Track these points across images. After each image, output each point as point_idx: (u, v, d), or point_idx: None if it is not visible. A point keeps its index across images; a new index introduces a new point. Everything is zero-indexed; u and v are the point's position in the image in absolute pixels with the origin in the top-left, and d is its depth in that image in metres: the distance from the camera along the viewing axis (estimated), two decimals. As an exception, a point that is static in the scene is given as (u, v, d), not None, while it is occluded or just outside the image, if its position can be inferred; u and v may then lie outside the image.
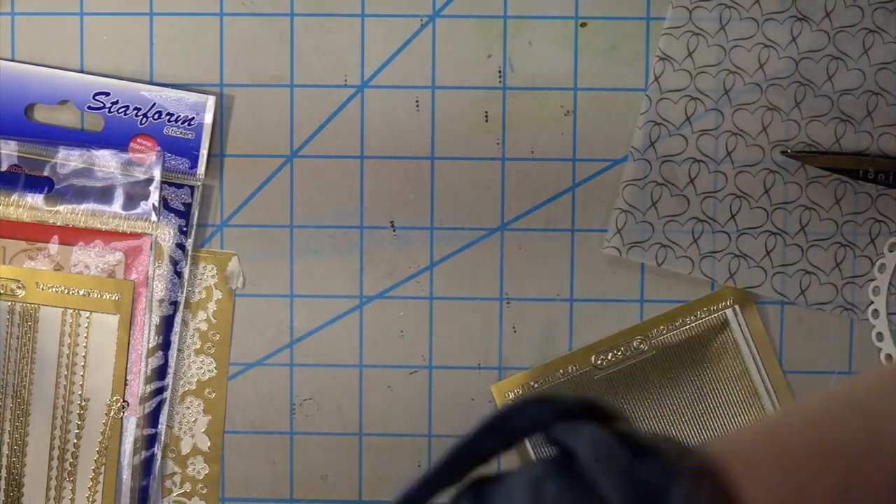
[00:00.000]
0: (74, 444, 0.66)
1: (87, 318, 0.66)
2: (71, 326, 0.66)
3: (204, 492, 0.68)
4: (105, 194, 0.66)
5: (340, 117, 0.67)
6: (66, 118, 0.66)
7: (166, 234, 0.66)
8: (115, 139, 0.66)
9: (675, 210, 0.65)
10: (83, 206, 0.66)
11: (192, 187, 0.66)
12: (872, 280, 0.64)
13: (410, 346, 0.67)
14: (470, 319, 0.67)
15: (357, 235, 0.67)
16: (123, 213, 0.66)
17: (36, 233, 0.66)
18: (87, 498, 0.67)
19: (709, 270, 0.65)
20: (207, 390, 0.67)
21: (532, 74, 0.66)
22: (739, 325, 0.65)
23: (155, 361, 0.67)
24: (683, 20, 0.64)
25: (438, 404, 0.67)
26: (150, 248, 0.66)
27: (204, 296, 0.67)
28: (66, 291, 0.66)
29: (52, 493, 0.67)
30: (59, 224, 0.66)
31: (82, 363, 0.66)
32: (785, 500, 0.37)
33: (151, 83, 0.66)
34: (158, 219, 0.66)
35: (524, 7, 0.66)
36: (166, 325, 0.67)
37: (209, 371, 0.67)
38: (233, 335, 0.67)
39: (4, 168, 0.66)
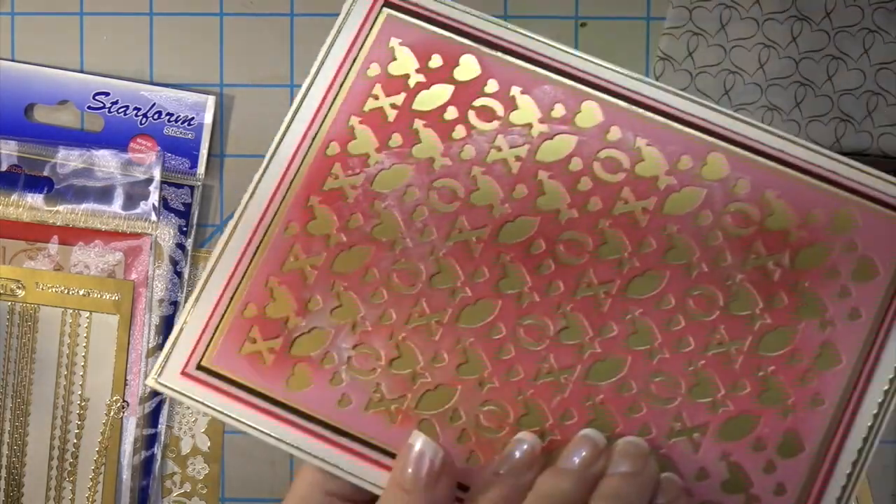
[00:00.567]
0: (74, 444, 0.66)
1: (87, 318, 0.66)
2: (71, 326, 0.66)
3: (204, 492, 0.68)
4: (105, 194, 0.66)
5: (340, 117, 0.67)
6: (66, 118, 0.66)
7: (166, 234, 0.66)
8: (115, 139, 0.66)
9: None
10: (83, 206, 0.66)
11: (192, 187, 0.66)
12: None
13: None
14: (470, 319, 0.67)
15: (357, 235, 0.67)
16: (123, 213, 0.66)
17: (36, 233, 0.66)
18: (87, 498, 0.67)
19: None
20: (207, 390, 0.67)
21: (532, 74, 0.66)
22: None
23: (155, 361, 0.67)
24: (683, 20, 0.64)
25: (438, 404, 0.67)
26: (150, 248, 0.66)
27: (204, 296, 0.67)
28: (66, 291, 0.66)
29: (52, 492, 0.67)
30: (59, 224, 0.66)
31: (82, 363, 0.66)
32: None
33: (151, 83, 0.66)
34: (158, 219, 0.66)
35: (524, 7, 0.66)
36: (166, 325, 0.67)
37: (209, 371, 0.67)
38: (233, 335, 0.67)
39: (4, 168, 0.66)
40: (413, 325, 0.51)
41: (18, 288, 0.66)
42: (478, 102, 0.52)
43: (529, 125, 0.52)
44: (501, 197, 0.51)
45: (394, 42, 0.53)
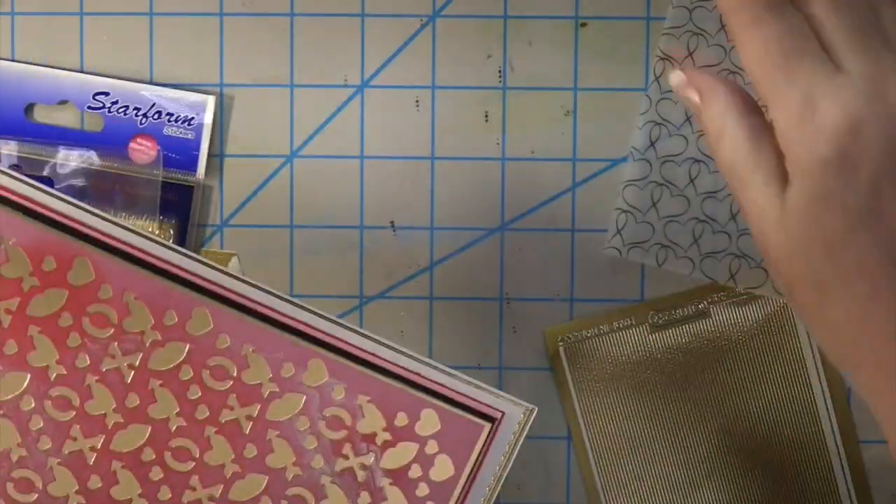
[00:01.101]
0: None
1: (87, 318, 0.66)
2: (71, 326, 0.66)
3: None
4: (105, 194, 0.66)
5: (340, 117, 0.67)
6: (66, 118, 0.66)
7: (166, 234, 0.66)
8: (115, 139, 0.66)
9: (676, 210, 0.65)
10: (83, 207, 0.66)
11: (191, 187, 0.66)
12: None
13: (410, 346, 0.66)
14: (470, 319, 0.67)
15: (357, 235, 0.67)
16: (123, 213, 0.66)
17: (36, 233, 0.66)
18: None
19: (709, 271, 0.65)
20: (207, 390, 0.67)
21: (532, 74, 0.66)
22: None
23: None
24: (684, 20, 0.64)
25: (438, 404, 0.67)
26: (150, 249, 0.66)
27: (204, 296, 0.67)
28: (66, 291, 0.66)
29: None
30: (59, 224, 0.66)
31: (82, 363, 0.66)
32: None
33: (151, 83, 0.66)
34: (158, 219, 0.66)
35: (524, 7, 0.66)
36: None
37: (209, 371, 0.67)
38: (233, 335, 0.67)
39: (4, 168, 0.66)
40: None
41: (18, 288, 0.66)
42: (92, 308, 0.53)
43: (142, 332, 0.53)
44: (115, 406, 0.53)
45: (7, 241, 0.53)
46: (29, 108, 0.66)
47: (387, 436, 0.54)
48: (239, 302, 0.54)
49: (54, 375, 0.53)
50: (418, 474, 0.54)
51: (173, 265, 0.53)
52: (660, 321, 0.66)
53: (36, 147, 0.66)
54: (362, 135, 0.66)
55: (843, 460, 0.65)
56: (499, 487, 0.56)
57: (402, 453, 0.54)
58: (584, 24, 0.66)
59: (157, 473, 0.54)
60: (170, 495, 0.54)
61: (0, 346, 0.53)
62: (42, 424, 0.53)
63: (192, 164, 0.66)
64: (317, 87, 0.66)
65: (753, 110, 0.49)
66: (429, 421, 0.54)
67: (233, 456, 0.54)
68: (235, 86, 0.66)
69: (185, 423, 0.54)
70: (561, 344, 0.66)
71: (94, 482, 0.54)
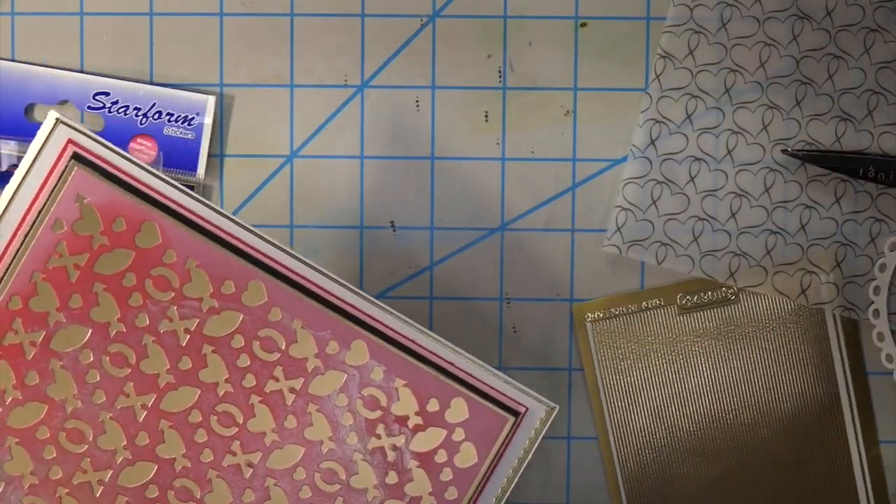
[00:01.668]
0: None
1: (87, 317, 0.66)
2: (70, 326, 0.66)
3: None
4: (105, 194, 0.66)
5: (340, 117, 0.67)
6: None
7: (166, 234, 0.66)
8: (115, 139, 0.66)
9: (676, 208, 0.65)
10: (83, 206, 0.66)
11: (191, 187, 0.66)
12: (873, 280, 0.64)
13: (410, 346, 0.67)
14: (470, 319, 0.67)
15: (357, 235, 0.66)
16: (123, 213, 0.66)
17: (35, 233, 0.66)
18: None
19: (709, 269, 0.65)
20: (207, 390, 0.67)
21: (532, 74, 0.66)
22: (839, 294, 0.65)
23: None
24: (685, 18, 0.64)
25: (438, 404, 0.67)
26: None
27: (204, 296, 0.67)
28: (66, 291, 0.66)
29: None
30: (58, 224, 0.66)
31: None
32: None
33: (151, 83, 0.66)
34: (158, 219, 0.66)
35: (524, 7, 0.66)
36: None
37: (209, 371, 0.67)
38: (232, 335, 0.67)
39: (4, 168, 0.66)
40: (77, 482, 0.55)
41: (18, 288, 0.66)
42: (155, 271, 0.55)
43: (200, 299, 0.55)
44: (168, 367, 0.55)
45: (82, 199, 0.55)
46: (29, 108, 0.66)
47: (418, 420, 0.56)
48: (293, 279, 0.55)
49: (114, 332, 0.55)
50: (444, 459, 0.56)
51: (235, 237, 0.55)
52: (688, 304, 0.66)
53: (36, 147, 0.66)
54: (362, 135, 0.66)
55: (862, 458, 0.66)
56: (516, 479, 0.57)
57: (431, 437, 0.56)
58: (584, 24, 0.66)
59: (201, 436, 0.56)
60: (212, 457, 0.56)
61: (66, 298, 0.55)
62: (98, 378, 0.55)
63: (192, 164, 0.66)
64: (317, 87, 0.66)
65: None
66: (458, 409, 0.56)
67: (273, 425, 0.56)
68: (235, 86, 0.66)
69: (232, 390, 0.55)
70: (588, 320, 0.66)
71: (142, 438, 0.55)
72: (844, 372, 0.65)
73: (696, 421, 0.66)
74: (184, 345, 0.55)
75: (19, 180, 0.54)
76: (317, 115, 0.67)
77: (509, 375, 0.66)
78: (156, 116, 0.66)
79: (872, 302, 0.64)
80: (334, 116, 0.67)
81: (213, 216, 0.55)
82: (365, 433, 0.56)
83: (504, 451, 0.56)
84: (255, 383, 0.55)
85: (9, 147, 0.66)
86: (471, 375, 0.56)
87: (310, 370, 0.56)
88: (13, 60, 0.66)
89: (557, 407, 0.57)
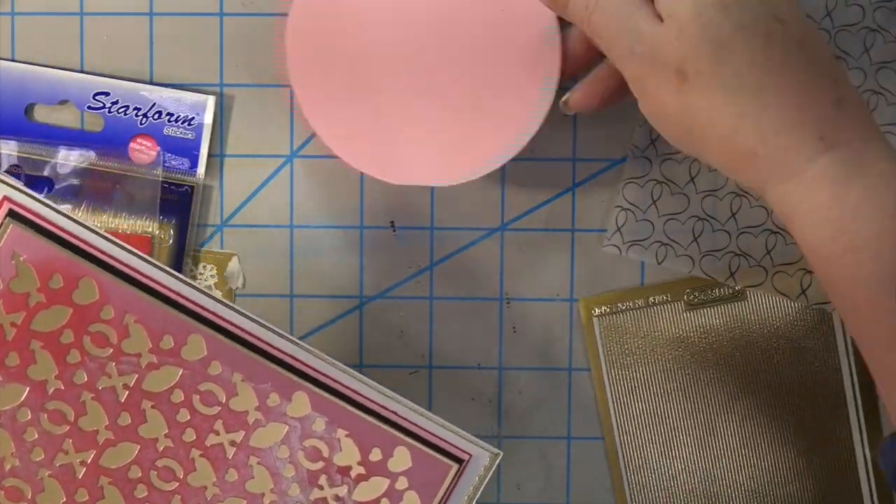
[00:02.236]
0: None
1: (87, 317, 0.66)
2: (70, 326, 0.66)
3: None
4: (105, 194, 0.66)
5: (340, 117, 0.66)
6: (66, 118, 0.66)
7: (166, 234, 0.66)
8: (115, 139, 0.66)
9: (676, 208, 0.65)
10: (83, 206, 0.66)
11: (191, 187, 0.66)
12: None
13: (410, 346, 0.67)
14: (470, 319, 0.67)
15: (357, 235, 0.66)
16: (123, 213, 0.66)
17: (35, 233, 0.66)
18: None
19: (709, 269, 0.65)
20: (207, 390, 0.67)
21: (532, 74, 0.66)
22: None
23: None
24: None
25: (438, 404, 0.67)
26: (150, 248, 0.66)
27: (204, 296, 0.67)
28: (66, 291, 0.66)
29: None
30: (58, 224, 0.66)
31: (81, 363, 0.66)
32: None
33: (151, 83, 0.66)
34: (158, 219, 0.66)
35: (524, 7, 0.66)
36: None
37: (209, 371, 0.67)
38: (232, 335, 0.67)
39: (4, 168, 0.66)
40: None
41: (18, 288, 0.66)
42: (93, 328, 0.55)
43: (139, 354, 0.55)
44: (107, 423, 0.55)
45: (17, 257, 0.54)
46: (29, 108, 0.66)
47: (361, 469, 0.56)
48: (232, 331, 0.55)
49: (52, 389, 0.55)
50: None
51: (174, 291, 0.55)
52: (695, 300, 0.66)
53: (36, 147, 0.66)
54: (362, 135, 0.66)
55: (866, 456, 0.66)
56: None
57: (374, 487, 0.56)
58: (583, 24, 0.66)
59: (141, 491, 0.56)
60: None
61: (2, 357, 0.55)
62: (36, 436, 0.55)
63: (192, 164, 0.66)
64: (317, 87, 0.66)
65: None
66: (401, 458, 0.56)
67: (214, 479, 0.56)
68: (235, 86, 0.66)
69: (171, 445, 0.56)
70: (595, 315, 0.66)
71: (81, 495, 0.55)
72: (850, 370, 0.65)
73: (701, 417, 0.66)
74: (123, 401, 0.55)
75: None
76: (317, 115, 0.67)
77: (509, 375, 0.66)
78: (156, 116, 0.66)
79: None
80: (334, 116, 0.67)
81: (152, 271, 0.55)
82: (307, 484, 0.56)
83: (447, 498, 0.56)
84: (195, 437, 0.55)
85: (9, 147, 0.66)
86: (413, 424, 0.56)
87: (251, 423, 0.56)
88: (13, 60, 0.66)
89: (501, 454, 0.57)
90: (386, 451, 0.56)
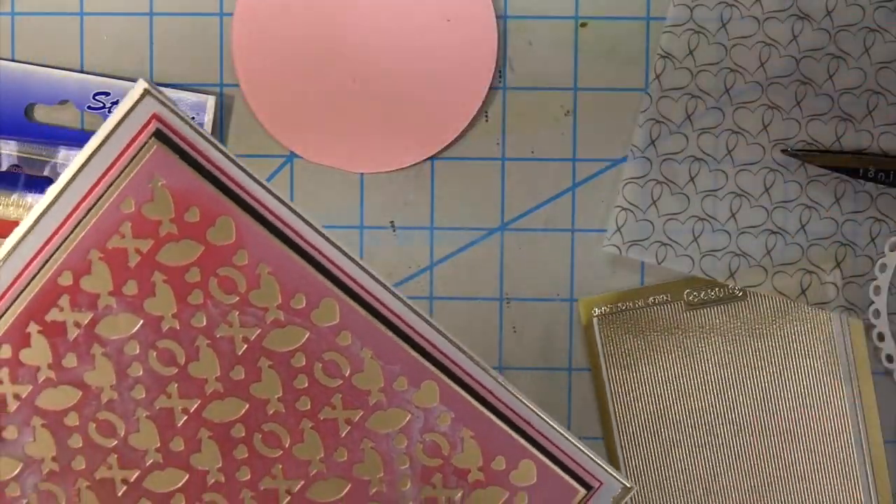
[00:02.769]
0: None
1: (87, 317, 0.66)
2: (70, 326, 0.66)
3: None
4: (105, 194, 0.66)
5: (340, 117, 0.67)
6: (66, 118, 0.66)
7: (166, 234, 0.66)
8: (115, 139, 0.66)
9: (676, 208, 0.65)
10: (83, 206, 0.66)
11: (191, 187, 0.66)
12: (873, 280, 0.64)
13: (410, 346, 0.67)
14: (470, 319, 0.67)
15: (357, 235, 0.66)
16: (123, 213, 0.66)
17: (36, 233, 0.66)
18: None
19: (709, 269, 0.65)
20: (207, 390, 0.67)
21: (532, 74, 0.66)
22: (839, 294, 0.65)
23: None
24: (685, 18, 0.64)
25: (438, 404, 0.67)
26: (150, 248, 0.66)
27: (204, 296, 0.67)
28: (66, 291, 0.66)
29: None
30: (58, 224, 0.66)
31: (82, 363, 0.66)
32: None
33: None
34: (158, 219, 0.66)
35: (524, 7, 0.66)
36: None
37: (209, 371, 0.67)
38: (232, 335, 0.67)
39: (4, 168, 0.66)
40: (99, 478, 0.51)
41: (18, 288, 0.66)
42: (222, 271, 0.51)
43: (266, 308, 0.51)
44: (218, 374, 0.51)
45: (156, 180, 0.51)
46: (29, 108, 0.66)
47: (480, 475, 0.52)
48: (370, 302, 0.52)
49: (167, 328, 0.51)
50: None
51: (315, 248, 0.51)
52: (695, 300, 0.66)
53: (36, 147, 0.66)
54: (362, 135, 0.66)
55: (867, 458, 0.65)
56: None
57: (490, 497, 0.53)
58: (584, 24, 0.66)
59: (241, 452, 0.52)
60: (248, 477, 0.52)
61: (121, 283, 0.51)
62: (141, 373, 0.51)
63: (192, 164, 0.66)
64: (317, 87, 0.66)
65: None
66: (526, 471, 0.53)
67: (322, 455, 0.52)
68: (235, 86, 0.66)
69: (283, 410, 0.52)
70: (595, 315, 0.66)
71: (177, 444, 0.52)
72: (850, 371, 0.65)
73: (701, 417, 0.66)
74: (240, 354, 0.51)
75: (93, 149, 0.50)
76: (317, 115, 0.67)
77: (509, 375, 0.66)
78: (156, 116, 0.66)
79: (873, 302, 0.64)
80: (334, 116, 0.67)
81: (296, 222, 0.51)
82: (419, 480, 0.52)
83: None
84: (309, 407, 0.52)
85: (9, 147, 0.66)
86: (546, 438, 0.53)
87: (371, 404, 0.52)
88: (13, 60, 0.66)
89: (634, 488, 0.54)
90: (511, 462, 0.53)
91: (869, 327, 0.65)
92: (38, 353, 0.51)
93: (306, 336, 0.52)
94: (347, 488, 0.52)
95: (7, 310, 0.51)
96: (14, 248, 0.51)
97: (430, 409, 0.52)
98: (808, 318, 0.65)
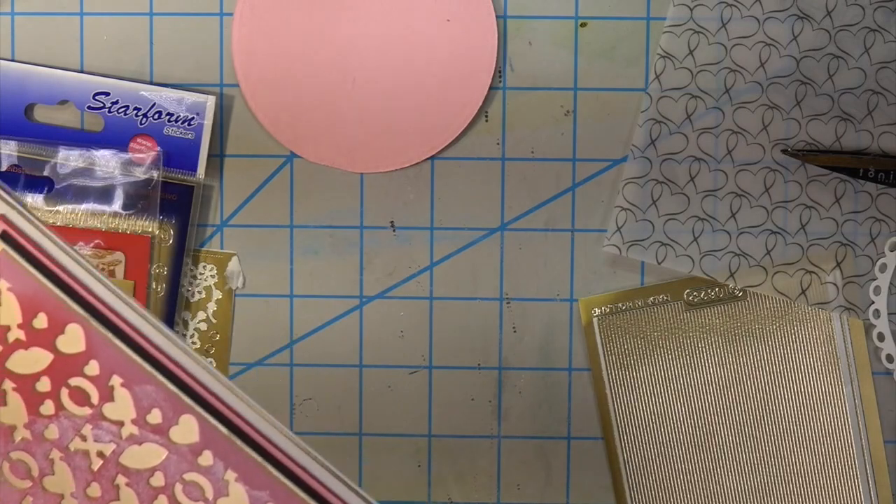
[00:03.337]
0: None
1: (87, 317, 0.66)
2: (70, 326, 0.66)
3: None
4: (105, 194, 0.66)
5: (340, 117, 0.67)
6: (66, 118, 0.66)
7: (166, 234, 0.66)
8: (115, 139, 0.66)
9: (676, 208, 0.65)
10: (83, 206, 0.66)
11: (191, 187, 0.66)
12: (873, 280, 0.64)
13: (410, 346, 0.67)
14: (470, 319, 0.67)
15: (357, 235, 0.66)
16: (123, 213, 0.66)
17: (35, 233, 0.66)
18: None
19: (709, 269, 0.65)
20: (207, 390, 0.67)
21: (532, 74, 0.66)
22: (839, 294, 0.65)
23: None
24: (684, 18, 0.64)
25: (438, 404, 0.67)
26: (150, 248, 0.66)
27: (204, 296, 0.67)
28: (66, 291, 0.66)
29: None
30: (59, 224, 0.66)
31: (81, 363, 0.66)
32: None
33: (151, 83, 0.66)
34: (158, 219, 0.66)
35: (524, 7, 0.66)
36: (166, 325, 0.66)
37: (209, 371, 0.67)
38: (232, 335, 0.67)
39: (4, 168, 0.66)
40: None
41: (18, 288, 0.66)
42: (74, 382, 0.49)
43: (121, 423, 0.49)
44: (73, 490, 0.49)
45: (1, 285, 0.49)
46: (29, 108, 0.66)
47: None
48: (232, 420, 0.49)
49: (19, 438, 0.49)
50: None
51: (173, 360, 0.49)
52: (695, 300, 0.66)
53: (36, 147, 0.66)
54: (362, 135, 0.66)
55: (867, 458, 0.66)
56: None
57: None
58: (584, 24, 0.66)
59: None
60: None
61: None
62: None
63: (192, 164, 0.66)
64: (317, 87, 0.66)
65: None
66: None
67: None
68: (235, 86, 0.66)
69: None
70: (595, 315, 0.66)
71: None
72: (850, 370, 0.65)
73: (701, 417, 0.66)
74: (95, 470, 0.49)
75: None
76: (317, 115, 0.67)
77: (509, 375, 0.66)
78: (156, 116, 0.66)
79: (873, 302, 0.64)
80: (334, 116, 0.67)
81: (151, 331, 0.49)
82: None
83: None
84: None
85: (9, 147, 0.66)
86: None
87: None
88: (13, 60, 0.66)
89: None
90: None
91: (869, 327, 0.65)
92: None
93: (165, 455, 0.49)
94: None
95: None
96: None
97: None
98: (808, 318, 0.66)
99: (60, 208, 0.66)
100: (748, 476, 0.66)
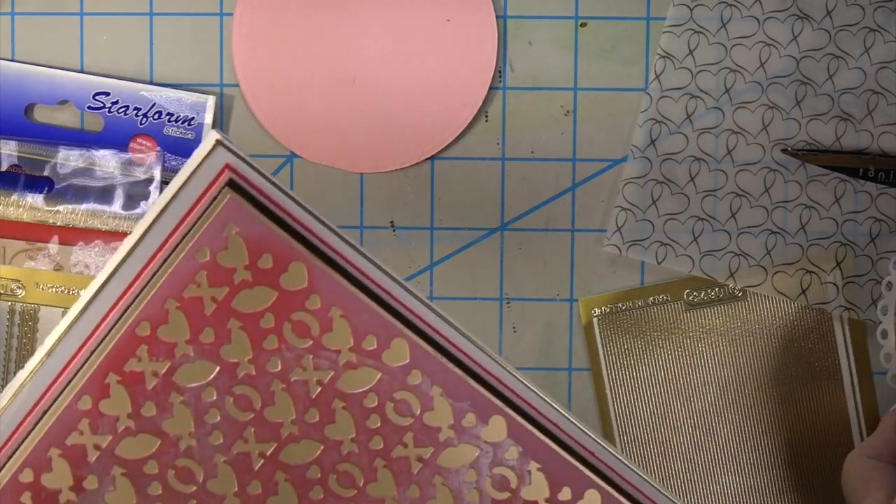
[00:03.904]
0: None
1: (87, 317, 0.66)
2: (70, 326, 0.66)
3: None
4: (105, 194, 0.66)
5: (340, 117, 0.67)
6: (66, 118, 0.66)
7: (166, 234, 0.66)
8: (115, 139, 0.66)
9: (676, 208, 0.65)
10: (83, 206, 0.66)
11: (191, 187, 0.66)
12: (874, 281, 0.64)
13: (410, 346, 0.67)
14: (470, 319, 0.67)
15: (357, 235, 0.66)
16: (123, 213, 0.66)
17: (36, 233, 0.66)
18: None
19: (709, 269, 0.65)
20: (207, 390, 0.67)
21: (532, 74, 0.66)
22: (839, 294, 0.65)
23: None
24: (684, 18, 0.64)
25: (439, 404, 0.67)
26: (150, 248, 0.66)
27: (204, 296, 0.67)
28: (66, 291, 0.66)
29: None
30: (59, 224, 0.66)
31: (82, 363, 0.66)
32: None
33: (151, 83, 0.66)
34: (158, 219, 0.66)
35: (524, 7, 0.66)
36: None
37: (209, 371, 0.67)
38: (233, 335, 0.67)
39: (4, 168, 0.66)
40: None
41: (19, 288, 0.66)
42: (296, 316, 0.52)
43: (339, 351, 0.52)
44: (294, 417, 0.52)
45: (230, 229, 0.51)
46: (29, 108, 0.66)
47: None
48: (438, 341, 0.52)
49: (243, 373, 0.52)
50: None
51: (385, 290, 0.52)
52: (695, 300, 0.66)
53: (36, 147, 0.66)
54: (362, 135, 0.66)
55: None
56: None
57: None
58: (584, 24, 0.66)
59: (317, 493, 0.52)
60: None
61: (198, 331, 0.51)
62: (219, 419, 0.52)
63: (192, 164, 0.66)
64: (317, 87, 0.66)
65: None
66: (591, 501, 0.53)
67: (395, 493, 0.52)
68: (235, 86, 0.66)
69: (356, 450, 0.52)
70: (595, 315, 0.66)
71: (255, 487, 0.52)
72: (850, 370, 0.65)
73: (701, 417, 0.66)
74: (314, 396, 0.52)
75: (166, 201, 0.51)
76: (317, 115, 0.67)
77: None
78: (156, 116, 0.66)
79: (873, 302, 0.64)
80: (334, 116, 0.67)
81: (366, 265, 0.52)
82: None
83: None
84: (382, 446, 0.52)
85: (9, 147, 0.66)
86: (611, 469, 0.52)
87: (442, 440, 0.52)
88: (13, 60, 0.66)
89: None
90: (577, 492, 0.52)
91: (874, 327, 0.65)
92: (117, 403, 0.51)
93: (378, 377, 0.52)
94: None
95: (86, 362, 0.51)
96: (91, 301, 0.51)
97: (498, 444, 0.52)
98: (808, 318, 0.66)
99: (60, 208, 0.66)
100: (748, 476, 0.66)
